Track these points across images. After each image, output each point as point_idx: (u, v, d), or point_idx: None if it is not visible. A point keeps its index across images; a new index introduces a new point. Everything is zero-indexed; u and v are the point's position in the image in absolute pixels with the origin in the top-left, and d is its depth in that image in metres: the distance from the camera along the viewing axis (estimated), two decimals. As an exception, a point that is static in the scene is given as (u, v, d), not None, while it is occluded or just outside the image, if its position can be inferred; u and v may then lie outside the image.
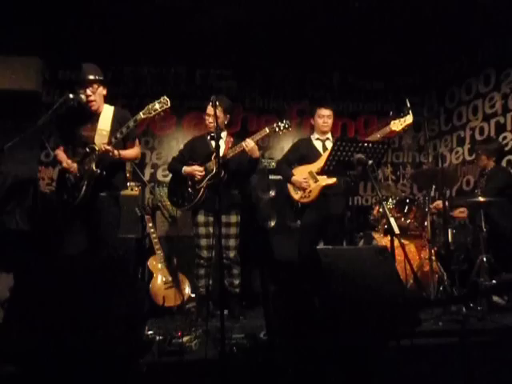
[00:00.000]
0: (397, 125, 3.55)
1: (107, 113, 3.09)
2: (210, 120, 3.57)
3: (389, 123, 3.58)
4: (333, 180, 3.64)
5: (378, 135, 3.57)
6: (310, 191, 3.68)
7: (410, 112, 3.55)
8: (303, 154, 3.86)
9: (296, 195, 3.76)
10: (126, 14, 4.31)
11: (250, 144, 3.42)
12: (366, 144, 3.13)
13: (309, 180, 3.70)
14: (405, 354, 2.24)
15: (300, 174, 3.76)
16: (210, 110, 3.54)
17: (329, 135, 3.92)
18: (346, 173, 3.39)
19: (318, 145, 3.88)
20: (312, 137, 3.94)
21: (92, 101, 3.01)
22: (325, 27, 4.60)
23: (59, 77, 5.23)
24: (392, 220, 2.67)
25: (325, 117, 3.83)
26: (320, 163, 3.70)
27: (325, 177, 3.63)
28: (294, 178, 3.75)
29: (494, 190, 3.85)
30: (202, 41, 4.78)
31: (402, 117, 3.54)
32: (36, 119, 2.92)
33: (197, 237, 3.60)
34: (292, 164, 3.89)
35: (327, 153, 3.72)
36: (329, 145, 3.87)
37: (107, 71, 5.22)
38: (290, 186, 3.82)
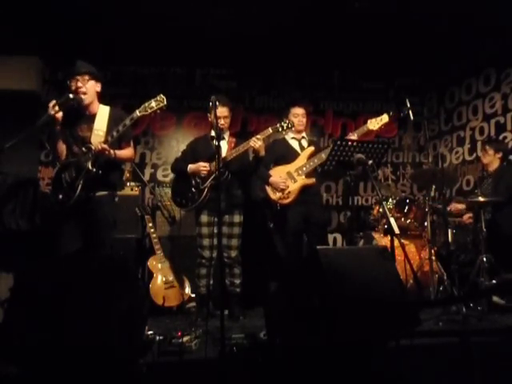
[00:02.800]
0: (373, 124, 3.60)
1: (103, 113, 3.07)
2: (221, 122, 3.54)
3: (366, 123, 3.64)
4: (312, 180, 3.64)
5: (355, 134, 3.58)
6: (289, 192, 3.64)
7: (386, 113, 3.63)
8: (279, 154, 3.82)
9: (274, 196, 3.67)
10: (126, 14, 4.31)
11: (258, 142, 3.41)
12: (365, 144, 3.13)
13: (287, 180, 3.65)
14: (405, 353, 2.24)
15: (278, 174, 3.71)
16: (221, 111, 3.49)
17: (303, 134, 3.91)
18: (346, 173, 3.39)
19: (295, 144, 3.86)
20: (287, 136, 3.90)
21: (83, 93, 2.96)
22: (325, 27, 4.60)
23: (59, 77, 5.22)
24: (392, 220, 2.67)
25: (299, 115, 3.82)
26: (298, 163, 3.71)
27: (303, 177, 3.62)
28: (272, 179, 3.68)
29: (507, 189, 3.85)
30: (202, 41, 4.78)
31: (379, 116, 3.61)
32: (36, 119, 2.92)
33: (199, 236, 3.61)
34: (268, 165, 3.82)
35: (305, 152, 3.74)
36: (305, 143, 3.87)
37: (107, 71, 5.26)
38: (268, 188, 3.73)
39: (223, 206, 3.39)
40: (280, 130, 3.42)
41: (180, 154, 3.89)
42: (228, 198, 3.50)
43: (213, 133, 3.62)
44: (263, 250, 4.41)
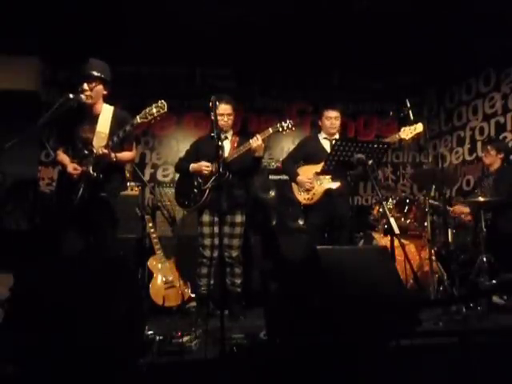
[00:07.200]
0: (406, 132, 3.49)
1: (106, 114, 3.05)
2: (224, 119, 3.55)
3: (399, 130, 3.53)
4: (337, 184, 3.61)
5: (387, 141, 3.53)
6: (314, 193, 3.65)
7: (420, 122, 3.47)
8: (310, 152, 3.81)
9: (300, 196, 3.71)
10: (126, 14, 4.32)
11: (257, 141, 3.39)
12: (365, 144, 3.12)
13: (313, 181, 3.66)
14: (405, 353, 2.24)
15: (305, 174, 3.72)
16: (224, 108, 3.53)
17: (336, 135, 3.87)
18: (346, 173, 3.38)
19: (326, 144, 3.82)
20: (319, 135, 3.89)
21: (88, 96, 2.96)
22: (325, 27, 4.60)
23: (59, 77, 5.24)
24: (392, 220, 2.67)
25: (332, 118, 3.79)
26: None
27: (329, 179, 3.61)
28: (299, 178, 3.71)
29: (507, 189, 3.84)
30: (202, 41, 4.79)
31: (412, 124, 3.47)
32: (36, 119, 2.91)
33: (201, 236, 3.60)
34: (297, 162, 3.83)
35: None
36: None
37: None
38: (294, 186, 3.76)
39: (225, 206, 3.40)
40: (280, 130, 3.41)
41: (184, 153, 3.89)
42: (230, 198, 3.49)
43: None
44: (264, 250, 4.42)
